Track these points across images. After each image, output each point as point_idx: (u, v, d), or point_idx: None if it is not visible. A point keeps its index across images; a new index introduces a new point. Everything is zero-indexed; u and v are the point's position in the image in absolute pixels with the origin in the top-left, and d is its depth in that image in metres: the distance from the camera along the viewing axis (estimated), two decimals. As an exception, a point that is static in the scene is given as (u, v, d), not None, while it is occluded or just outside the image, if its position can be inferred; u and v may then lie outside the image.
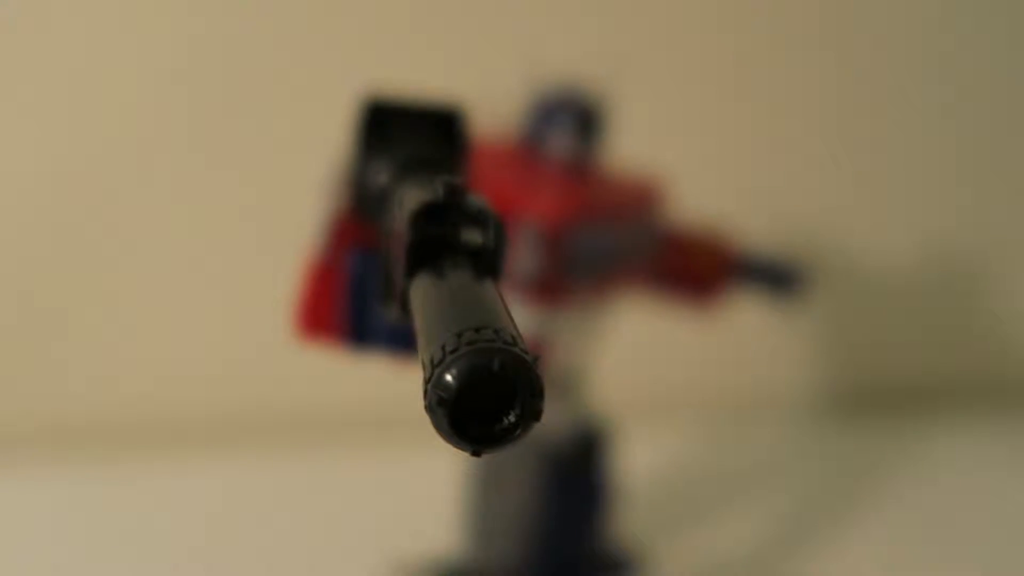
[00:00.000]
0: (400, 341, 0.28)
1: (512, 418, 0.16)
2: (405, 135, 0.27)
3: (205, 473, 0.59)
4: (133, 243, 0.63)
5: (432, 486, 0.51)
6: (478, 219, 0.20)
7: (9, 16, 0.58)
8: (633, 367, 0.67)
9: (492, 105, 0.41)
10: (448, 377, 0.16)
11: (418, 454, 0.51)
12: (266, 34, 0.60)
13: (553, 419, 0.41)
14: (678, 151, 0.66)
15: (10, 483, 0.57)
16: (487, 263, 0.20)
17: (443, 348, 0.16)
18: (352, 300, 0.28)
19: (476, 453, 0.17)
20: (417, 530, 0.49)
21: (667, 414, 0.70)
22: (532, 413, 0.17)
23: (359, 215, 0.27)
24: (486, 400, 0.16)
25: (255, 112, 0.61)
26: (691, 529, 0.55)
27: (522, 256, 0.35)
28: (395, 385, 0.46)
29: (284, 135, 0.61)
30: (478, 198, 0.21)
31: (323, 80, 0.60)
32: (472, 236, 0.20)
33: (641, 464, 0.62)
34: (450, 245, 0.20)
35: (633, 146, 0.47)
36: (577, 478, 0.46)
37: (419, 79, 0.46)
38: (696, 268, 0.45)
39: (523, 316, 0.36)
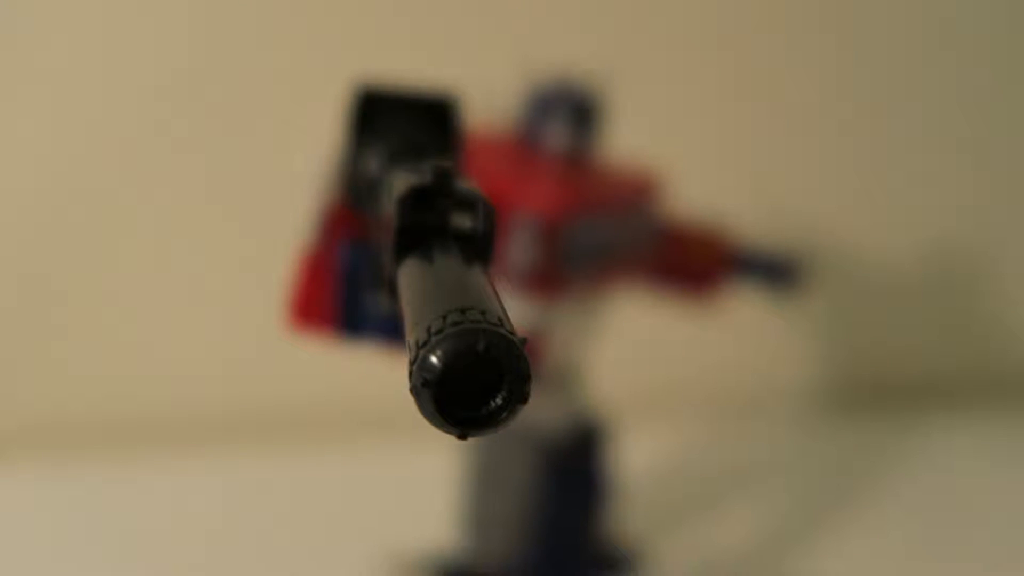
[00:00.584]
0: (392, 330, 0.28)
1: (499, 400, 0.16)
2: (397, 124, 0.27)
3: (203, 472, 0.59)
4: (132, 242, 0.63)
5: (430, 483, 0.51)
6: (467, 204, 0.20)
7: (9, 16, 0.58)
8: (633, 366, 0.67)
9: (489, 98, 0.41)
10: (433, 358, 0.16)
11: (416, 451, 0.51)
12: (262, 30, 0.60)
13: (550, 414, 0.41)
14: (677, 147, 0.65)
15: (10, 483, 0.58)
16: (476, 248, 0.20)
17: (428, 330, 0.16)
18: (344, 290, 0.28)
19: (462, 436, 0.16)
20: (415, 527, 0.49)
21: (667, 413, 0.70)
22: (519, 396, 0.16)
23: (351, 205, 0.27)
24: (472, 382, 0.16)
25: (251, 108, 0.61)
26: (691, 527, 0.55)
27: (519, 249, 0.35)
28: (392, 382, 0.46)
29: (279, 129, 0.61)
30: (467, 183, 0.21)
31: (319, 75, 0.60)
32: (461, 221, 0.20)
33: (641, 462, 0.62)
34: (439, 230, 0.20)
35: (631, 142, 0.47)
36: (575, 474, 0.45)
37: (416, 74, 0.46)
38: (694, 261, 0.45)
39: (520, 310, 0.36)
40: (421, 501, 0.51)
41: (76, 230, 0.62)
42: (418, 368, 0.16)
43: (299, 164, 0.39)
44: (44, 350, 0.64)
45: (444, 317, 0.16)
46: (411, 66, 0.59)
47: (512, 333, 0.16)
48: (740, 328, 0.69)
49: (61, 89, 0.60)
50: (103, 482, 0.58)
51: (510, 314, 0.36)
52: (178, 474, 0.59)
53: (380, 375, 0.49)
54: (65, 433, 0.63)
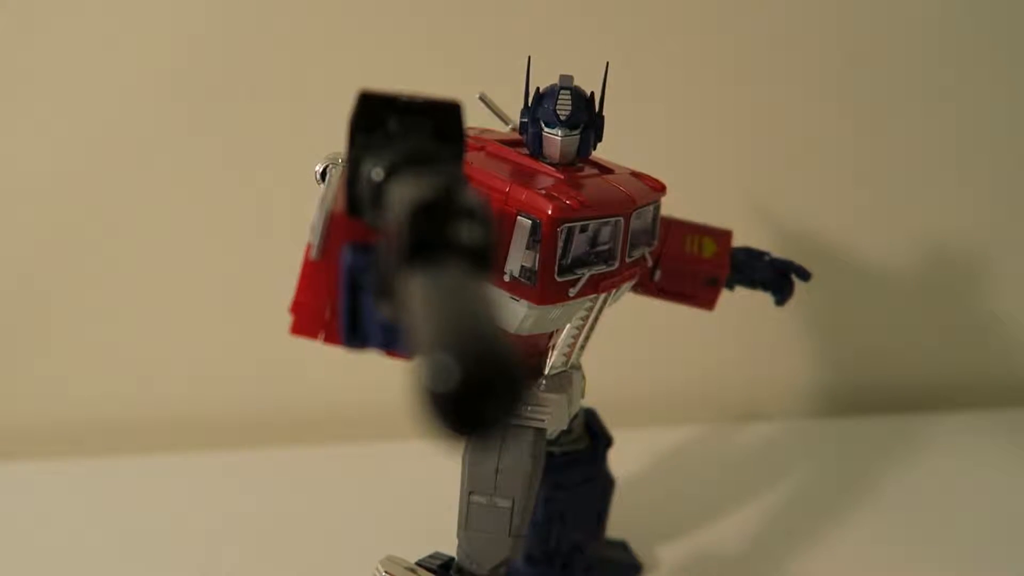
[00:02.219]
0: (394, 337, 0.28)
1: (495, 413, 0.17)
2: (400, 130, 0.27)
3: (202, 471, 0.60)
4: (134, 242, 0.63)
5: (430, 483, 0.51)
6: (472, 217, 0.20)
7: (10, 16, 0.58)
8: (633, 366, 0.67)
9: (489, 101, 0.41)
10: (435, 373, 0.16)
11: (417, 451, 0.51)
12: (266, 33, 0.61)
13: (551, 416, 0.41)
14: (677, 150, 0.66)
15: (10, 482, 0.58)
16: (480, 260, 0.20)
17: (432, 345, 0.16)
18: (347, 296, 0.28)
19: (461, 444, 0.17)
20: (415, 527, 0.49)
21: (667, 413, 0.70)
22: (514, 408, 0.17)
23: (354, 211, 0.27)
24: (471, 396, 0.16)
25: (256, 111, 0.61)
26: (690, 528, 0.55)
27: (520, 252, 0.35)
28: (392, 384, 0.46)
29: (284, 133, 0.61)
30: (472, 195, 0.21)
31: (324, 78, 0.60)
32: (466, 233, 0.20)
33: (640, 462, 0.62)
34: (444, 243, 0.20)
35: (631, 144, 0.47)
36: (575, 475, 0.46)
37: (419, 75, 0.46)
38: (695, 263, 0.45)
39: (521, 313, 0.36)
40: (421, 501, 0.51)
41: (78, 230, 0.62)
42: (420, 382, 0.16)
43: (305, 167, 0.39)
44: (44, 351, 0.64)
45: (448, 333, 0.16)
46: (416, 68, 0.59)
47: (511, 350, 0.16)
48: (740, 328, 0.69)
49: (60, 89, 0.60)
50: (103, 482, 0.58)
51: (511, 317, 0.36)
52: (177, 474, 0.59)
53: (380, 378, 0.50)
54: (65, 433, 0.64)
